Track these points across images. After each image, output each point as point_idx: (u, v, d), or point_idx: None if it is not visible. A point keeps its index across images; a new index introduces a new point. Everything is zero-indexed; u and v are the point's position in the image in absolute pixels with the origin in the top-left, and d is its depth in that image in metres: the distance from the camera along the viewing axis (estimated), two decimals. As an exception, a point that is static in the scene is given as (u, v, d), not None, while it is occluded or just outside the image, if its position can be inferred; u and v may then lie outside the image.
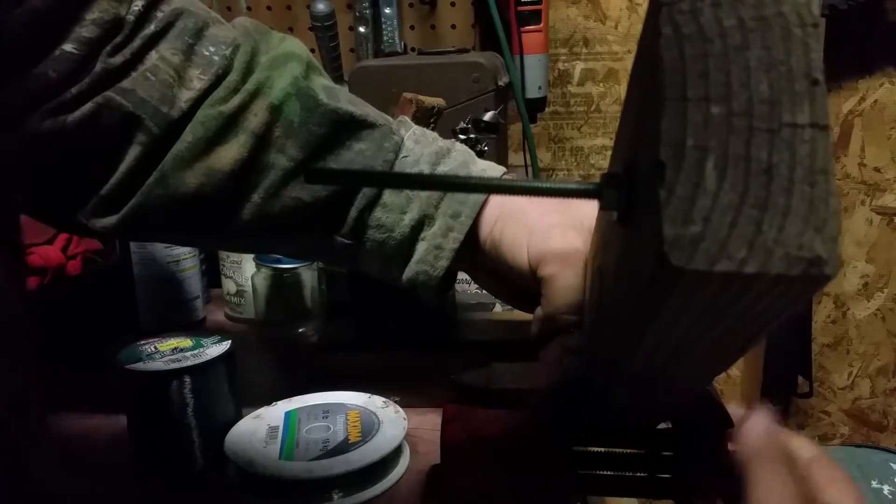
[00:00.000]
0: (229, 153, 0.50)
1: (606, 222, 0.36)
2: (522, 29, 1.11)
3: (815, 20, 0.21)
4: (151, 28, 0.50)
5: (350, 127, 0.52)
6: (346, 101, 0.53)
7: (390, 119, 0.55)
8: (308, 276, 0.81)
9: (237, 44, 0.52)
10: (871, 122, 1.32)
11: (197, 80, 0.50)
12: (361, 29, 1.18)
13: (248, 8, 1.22)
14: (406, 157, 0.53)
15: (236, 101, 0.50)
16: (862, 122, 1.33)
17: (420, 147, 0.54)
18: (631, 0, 1.32)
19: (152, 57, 0.50)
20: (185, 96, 0.50)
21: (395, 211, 0.53)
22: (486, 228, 0.53)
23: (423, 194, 0.53)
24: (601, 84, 1.36)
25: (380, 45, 1.19)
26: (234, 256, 0.87)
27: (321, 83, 0.53)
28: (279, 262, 0.79)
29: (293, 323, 0.82)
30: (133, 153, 0.50)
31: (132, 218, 0.51)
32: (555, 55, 1.34)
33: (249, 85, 0.51)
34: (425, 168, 0.53)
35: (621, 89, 1.36)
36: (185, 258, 0.83)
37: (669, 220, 0.20)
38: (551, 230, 0.50)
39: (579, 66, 1.36)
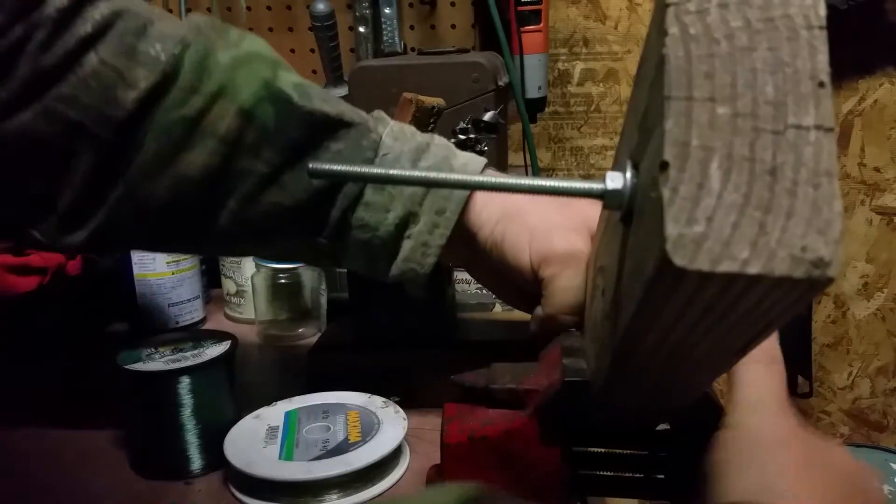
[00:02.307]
0: (197, 159, 0.48)
1: (609, 221, 0.36)
2: (522, 29, 1.11)
3: (822, 22, 0.21)
4: (88, 29, 0.47)
5: (327, 128, 0.51)
6: (320, 98, 0.52)
7: (366, 116, 0.54)
8: (308, 276, 0.81)
9: (186, 42, 0.49)
10: (871, 122, 1.32)
11: (143, 79, 0.48)
12: (361, 29, 1.18)
13: (248, 8, 1.22)
14: (386, 154, 0.52)
15: (196, 103, 0.48)
16: (862, 122, 1.33)
17: (399, 144, 0.53)
18: (631, 0, 1.32)
19: (91, 60, 0.47)
20: (131, 96, 0.47)
21: (379, 210, 0.52)
22: (486, 229, 0.52)
23: (407, 191, 0.52)
24: (601, 84, 1.36)
25: (380, 45, 1.18)
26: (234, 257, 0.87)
27: (291, 81, 0.51)
28: (279, 262, 0.79)
29: (293, 323, 0.82)
30: (84, 163, 0.48)
31: (101, 233, 0.50)
32: (555, 55, 1.34)
33: (210, 86, 0.49)
34: (406, 165, 0.52)
35: (621, 89, 1.36)
36: (185, 258, 0.83)
37: (672, 220, 0.20)
38: (553, 231, 0.50)
39: (579, 66, 1.36)
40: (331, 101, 0.52)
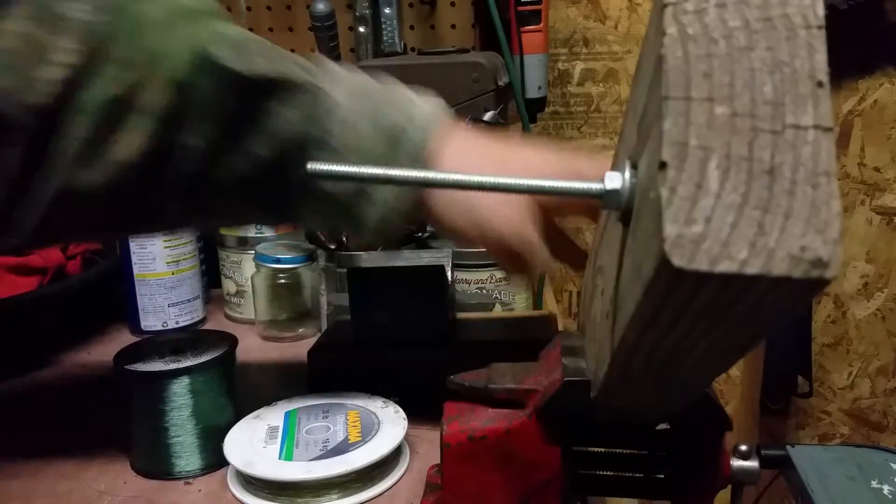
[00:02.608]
0: (133, 141, 0.44)
1: (608, 222, 0.36)
2: (522, 29, 1.11)
3: (821, 22, 0.21)
4: None
5: (270, 91, 0.47)
6: (260, 54, 0.47)
7: (314, 69, 0.49)
8: (308, 276, 0.81)
9: (116, 5, 0.44)
10: (871, 122, 1.32)
11: (64, 52, 0.42)
12: (361, 29, 1.18)
13: (248, 8, 1.21)
14: (343, 119, 0.48)
15: (127, 78, 0.43)
16: (862, 122, 1.32)
17: (357, 104, 0.48)
18: (631, 0, 1.32)
19: (5, 30, 0.41)
20: (52, 76, 0.42)
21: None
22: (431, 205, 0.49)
23: (364, 153, 0.47)
24: (601, 84, 1.36)
25: (380, 45, 1.18)
26: (233, 256, 0.87)
27: (227, 39, 0.46)
28: (279, 261, 0.79)
29: (293, 323, 0.82)
30: (10, 155, 0.43)
31: (44, 227, 0.46)
32: (555, 55, 1.34)
33: (140, 55, 0.43)
34: (367, 128, 0.48)
35: (621, 89, 1.36)
36: (185, 258, 0.83)
37: (671, 220, 0.20)
38: (483, 208, 0.48)
39: (579, 66, 1.36)
40: (274, 57, 0.48)
